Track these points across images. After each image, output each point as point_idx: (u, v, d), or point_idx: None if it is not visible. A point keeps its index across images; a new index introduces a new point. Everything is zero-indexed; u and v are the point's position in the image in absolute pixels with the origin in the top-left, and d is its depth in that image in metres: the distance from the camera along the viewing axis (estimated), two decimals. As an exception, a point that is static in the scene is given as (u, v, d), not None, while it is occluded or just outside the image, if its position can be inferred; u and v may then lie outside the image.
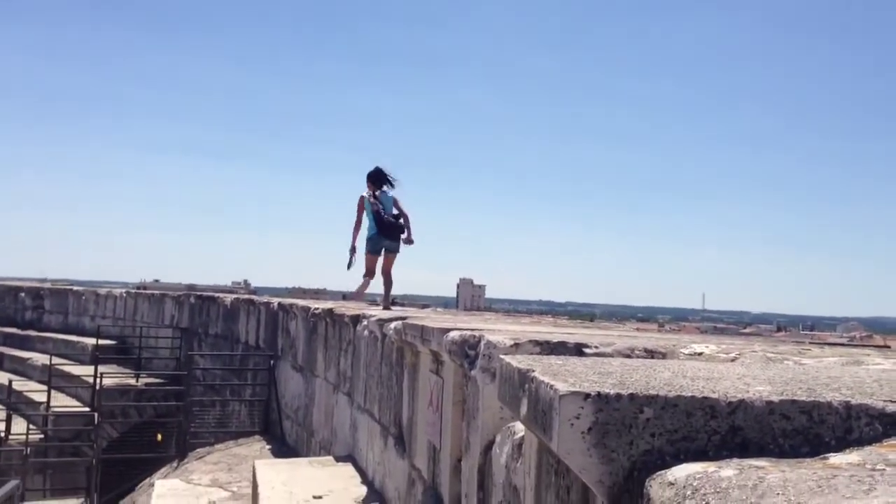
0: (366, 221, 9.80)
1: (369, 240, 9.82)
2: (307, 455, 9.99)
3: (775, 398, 1.69)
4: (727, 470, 1.49)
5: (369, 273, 9.91)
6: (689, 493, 1.44)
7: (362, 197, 9.75)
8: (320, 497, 6.56)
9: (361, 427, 7.86)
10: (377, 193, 9.80)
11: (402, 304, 16.32)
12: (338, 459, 8.20)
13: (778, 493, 1.35)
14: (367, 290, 10.44)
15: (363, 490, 6.82)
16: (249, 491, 7.80)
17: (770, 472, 1.47)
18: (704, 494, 1.41)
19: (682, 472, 1.53)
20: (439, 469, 4.71)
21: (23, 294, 27.28)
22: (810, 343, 5.28)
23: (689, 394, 1.69)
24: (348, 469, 7.65)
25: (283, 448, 11.40)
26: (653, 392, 1.69)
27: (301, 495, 6.58)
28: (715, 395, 1.69)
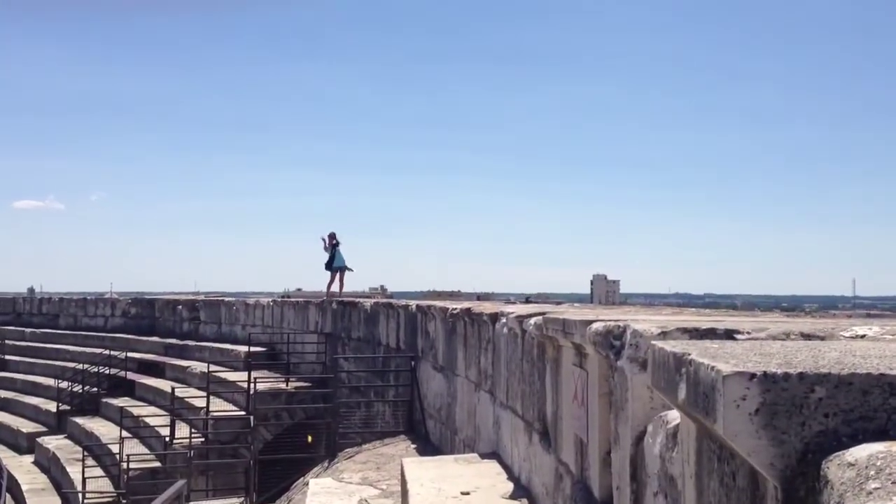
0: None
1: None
2: (451, 453, 10.12)
3: (962, 373, 1.57)
4: (914, 449, 1.40)
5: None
6: (872, 473, 1.36)
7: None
8: (468, 493, 6.63)
9: (504, 424, 7.89)
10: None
11: (536, 303, 16.26)
12: (483, 456, 8.26)
13: (975, 471, 1.26)
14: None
15: (510, 486, 6.85)
16: (398, 488, 7.99)
17: (963, 450, 1.37)
18: (890, 473, 1.33)
19: (862, 451, 1.45)
20: (588, 463, 4.66)
21: (180, 307, 29.09)
22: None
23: (864, 371, 1.60)
24: (494, 466, 7.70)
25: (428, 447, 11.60)
26: (823, 371, 1.61)
27: (449, 492, 6.68)
28: (893, 372, 1.59)
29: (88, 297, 34.47)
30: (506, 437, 7.82)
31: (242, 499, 12.19)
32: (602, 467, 4.30)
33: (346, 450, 12.20)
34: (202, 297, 30.99)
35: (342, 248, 22.40)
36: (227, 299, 28.06)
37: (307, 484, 9.85)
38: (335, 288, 22.09)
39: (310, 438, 15.84)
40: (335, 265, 21.88)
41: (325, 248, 21.84)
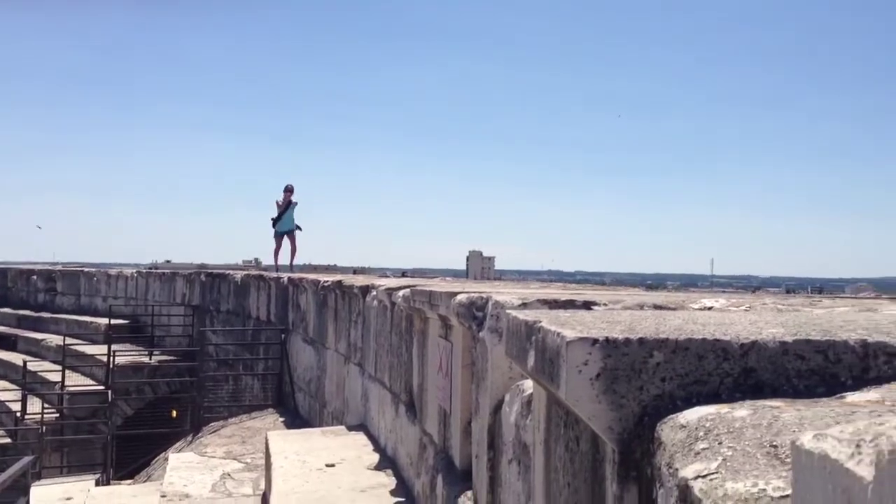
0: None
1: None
2: (320, 426, 10.03)
3: (789, 339, 1.64)
4: (741, 410, 1.45)
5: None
6: (701, 434, 1.39)
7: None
8: (333, 465, 6.57)
9: (373, 396, 7.87)
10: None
11: (412, 277, 16.30)
12: (350, 429, 8.22)
13: (794, 431, 1.30)
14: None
15: (375, 457, 6.84)
16: (263, 462, 7.84)
17: (785, 411, 1.42)
18: (718, 435, 1.36)
19: (693, 414, 1.48)
20: (450, 433, 4.70)
21: (35, 277, 27.42)
22: (821, 297, 5.21)
23: (700, 337, 1.64)
24: (360, 437, 7.67)
25: (296, 420, 11.46)
26: (663, 336, 1.64)
27: (314, 464, 6.60)
28: (727, 338, 1.64)
29: (-69, 265, 31.96)
30: (374, 409, 7.80)
31: (98, 475, 11.65)
32: (463, 437, 4.34)
33: (212, 424, 11.88)
34: (60, 268, 29.34)
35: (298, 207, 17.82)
36: (87, 270, 26.66)
37: (168, 459, 9.52)
38: (284, 259, 17.86)
39: (174, 413, 15.33)
40: (278, 229, 17.48)
41: (278, 206, 17.45)
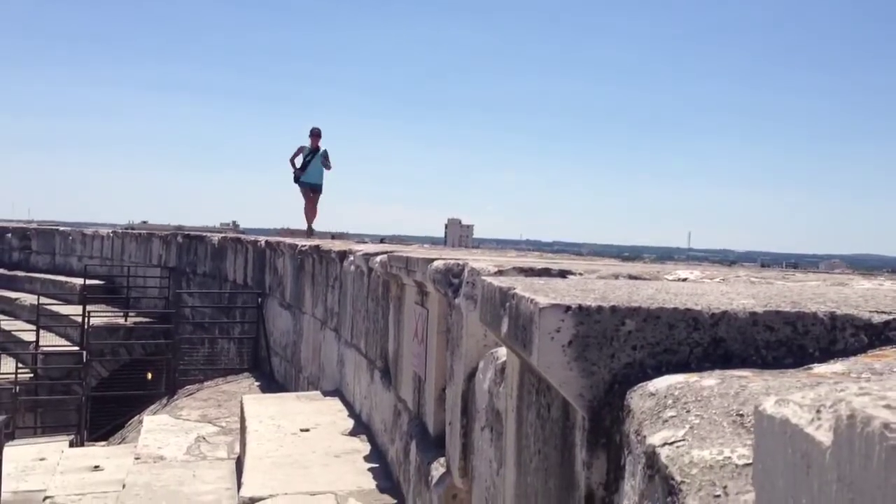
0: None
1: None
2: (296, 391, 10.06)
3: (759, 310, 1.65)
4: (709, 380, 1.46)
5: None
6: (669, 402, 1.41)
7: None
8: (307, 430, 6.60)
9: (348, 362, 7.89)
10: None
11: (390, 243, 16.26)
12: (325, 394, 8.25)
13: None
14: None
15: (350, 423, 6.87)
16: (238, 426, 7.86)
17: (752, 381, 1.43)
18: (685, 403, 1.38)
19: (662, 382, 1.49)
20: (424, 399, 4.72)
21: (9, 235, 27.08)
22: (794, 271, 5.27)
23: (672, 306, 1.65)
24: (336, 403, 7.70)
25: (272, 384, 11.47)
26: (635, 305, 1.65)
27: (289, 429, 6.62)
28: (698, 307, 1.65)
29: None
30: (349, 374, 7.82)
31: (73, 436, 11.63)
32: (437, 403, 4.36)
33: (187, 387, 11.87)
34: (35, 226, 29.00)
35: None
36: (62, 229, 26.38)
37: (142, 421, 9.51)
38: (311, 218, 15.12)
39: (149, 375, 15.31)
40: (304, 180, 14.36)
41: (302, 153, 14.29)
